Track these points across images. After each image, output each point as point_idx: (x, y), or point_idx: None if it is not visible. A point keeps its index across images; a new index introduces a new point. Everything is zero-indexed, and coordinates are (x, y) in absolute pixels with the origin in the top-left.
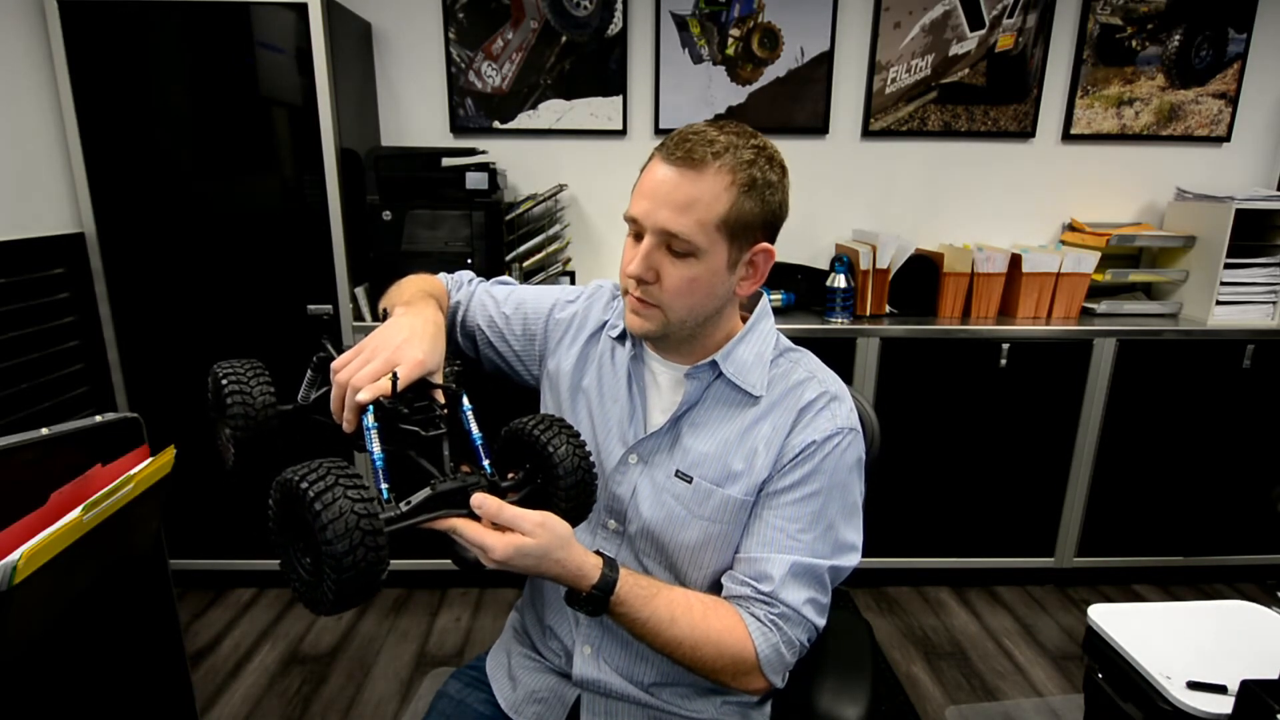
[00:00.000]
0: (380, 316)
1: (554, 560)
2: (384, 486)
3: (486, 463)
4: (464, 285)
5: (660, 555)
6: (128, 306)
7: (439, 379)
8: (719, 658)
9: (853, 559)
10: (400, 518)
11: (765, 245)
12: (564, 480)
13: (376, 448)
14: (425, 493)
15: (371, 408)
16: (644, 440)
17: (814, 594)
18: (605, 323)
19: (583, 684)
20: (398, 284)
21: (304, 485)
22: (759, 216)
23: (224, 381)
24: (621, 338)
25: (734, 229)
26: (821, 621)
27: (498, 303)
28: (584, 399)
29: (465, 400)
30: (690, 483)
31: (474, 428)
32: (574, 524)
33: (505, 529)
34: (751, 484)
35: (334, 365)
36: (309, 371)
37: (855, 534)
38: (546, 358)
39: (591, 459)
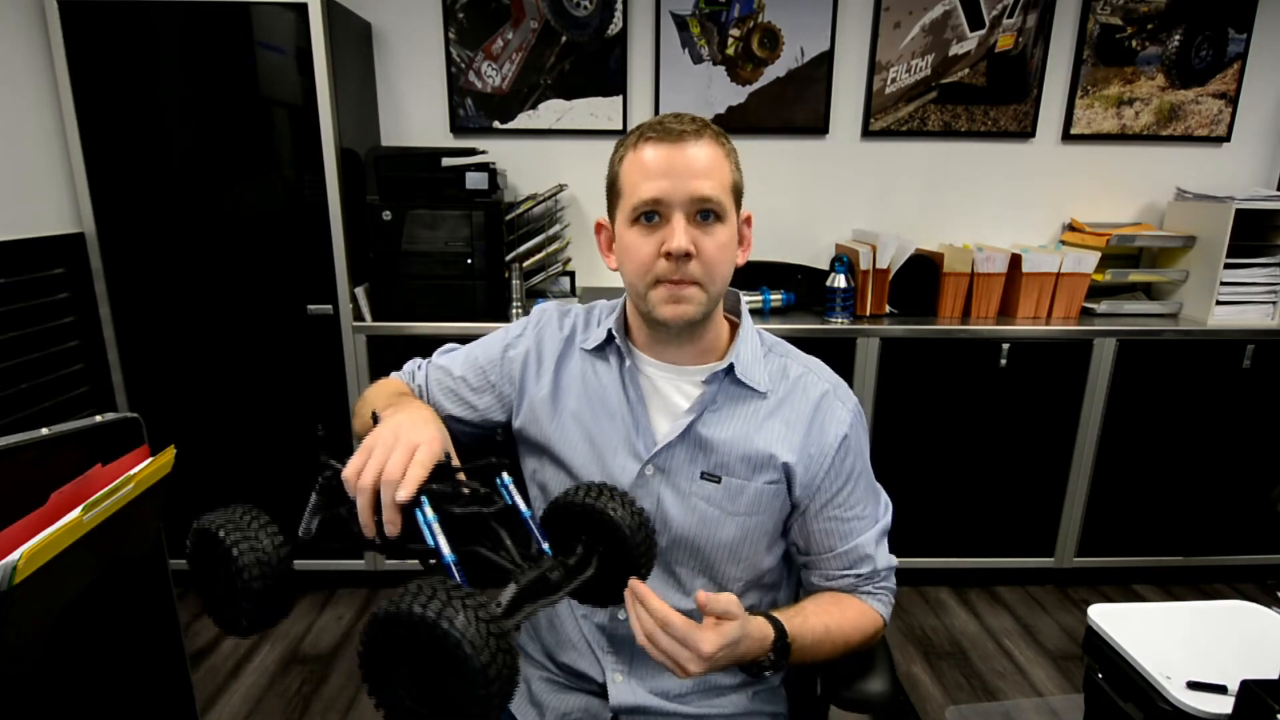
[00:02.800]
0: (374, 424)
1: (746, 635)
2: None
3: (546, 545)
4: (415, 373)
5: (695, 559)
6: (128, 306)
7: (455, 460)
8: (864, 641)
9: (888, 501)
10: (507, 616)
11: (748, 213)
12: (632, 539)
13: (445, 546)
14: (512, 589)
15: (425, 499)
16: (662, 451)
17: (886, 544)
18: (565, 341)
19: (620, 710)
20: (364, 399)
21: (418, 610)
22: (741, 185)
23: (222, 535)
24: (599, 350)
25: (736, 193)
26: (895, 561)
27: (449, 372)
28: (574, 423)
29: (505, 474)
30: (719, 482)
31: (521, 503)
32: (645, 579)
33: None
34: (779, 473)
35: (346, 476)
36: (314, 498)
37: (874, 479)
38: (515, 403)
39: (641, 507)
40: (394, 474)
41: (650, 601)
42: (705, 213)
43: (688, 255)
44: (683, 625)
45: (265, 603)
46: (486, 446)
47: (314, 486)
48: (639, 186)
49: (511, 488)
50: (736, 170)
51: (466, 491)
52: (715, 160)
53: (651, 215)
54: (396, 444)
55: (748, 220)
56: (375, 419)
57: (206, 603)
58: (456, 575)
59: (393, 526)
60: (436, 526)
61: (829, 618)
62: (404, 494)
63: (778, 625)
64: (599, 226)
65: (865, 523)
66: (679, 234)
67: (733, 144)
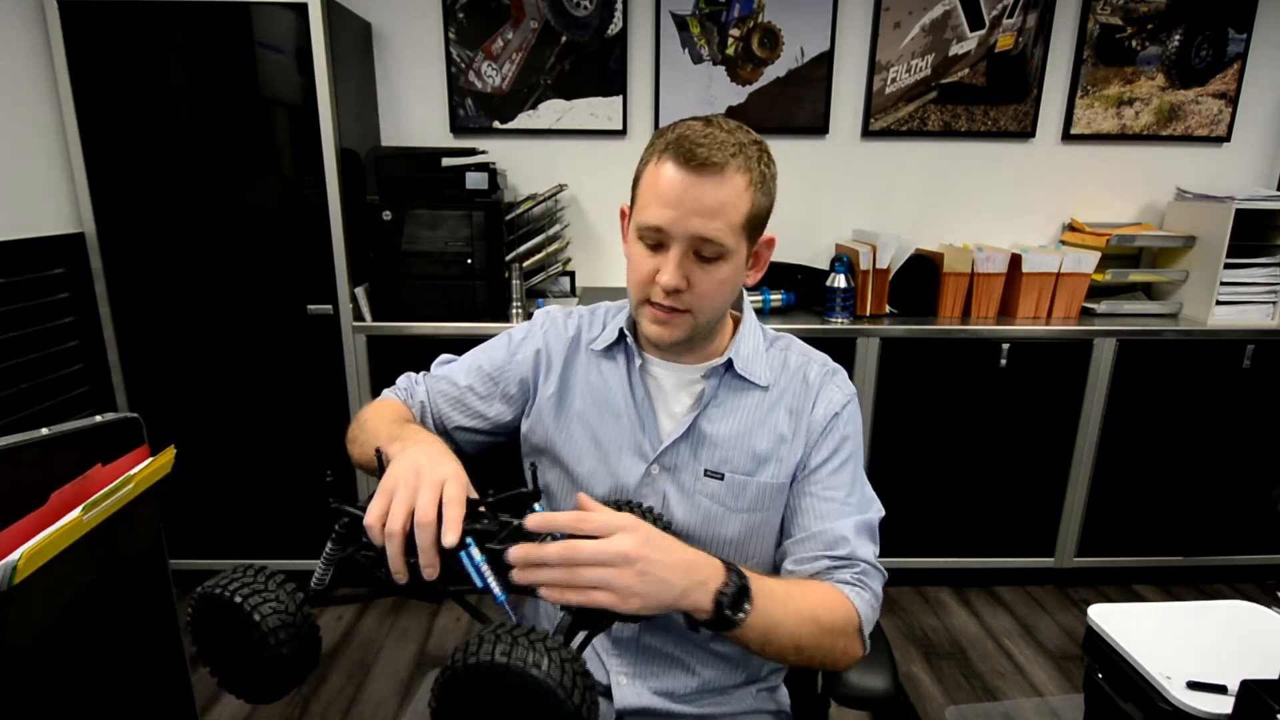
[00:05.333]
0: (379, 461)
1: (675, 544)
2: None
3: None
4: (414, 389)
5: None
6: (128, 306)
7: (473, 494)
8: (834, 625)
9: (880, 507)
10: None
11: (769, 235)
12: None
13: (497, 586)
14: (567, 619)
15: (472, 540)
16: (667, 449)
17: (874, 546)
18: (572, 341)
19: (625, 712)
20: (361, 424)
21: (501, 659)
22: (767, 210)
23: (239, 600)
24: (608, 350)
25: (752, 226)
26: (885, 572)
27: (453, 382)
28: (580, 424)
29: (537, 505)
30: (723, 479)
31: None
32: None
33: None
34: (785, 469)
35: (370, 523)
36: (328, 546)
37: (869, 485)
38: (527, 405)
39: (666, 519)
40: (428, 516)
41: (555, 520)
42: (706, 252)
43: (677, 289)
44: (574, 515)
45: (294, 665)
46: (490, 453)
47: (329, 536)
48: (648, 207)
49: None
50: (763, 194)
51: (502, 526)
52: (732, 196)
53: (654, 239)
54: (421, 482)
55: (769, 243)
56: (380, 455)
57: (218, 672)
58: (512, 615)
59: (432, 570)
60: (486, 567)
61: (793, 586)
62: (451, 538)
63: (732, 564)
64: (623, 213)
65: (847, 509)
66: (670, 270)
67: (766, 165)
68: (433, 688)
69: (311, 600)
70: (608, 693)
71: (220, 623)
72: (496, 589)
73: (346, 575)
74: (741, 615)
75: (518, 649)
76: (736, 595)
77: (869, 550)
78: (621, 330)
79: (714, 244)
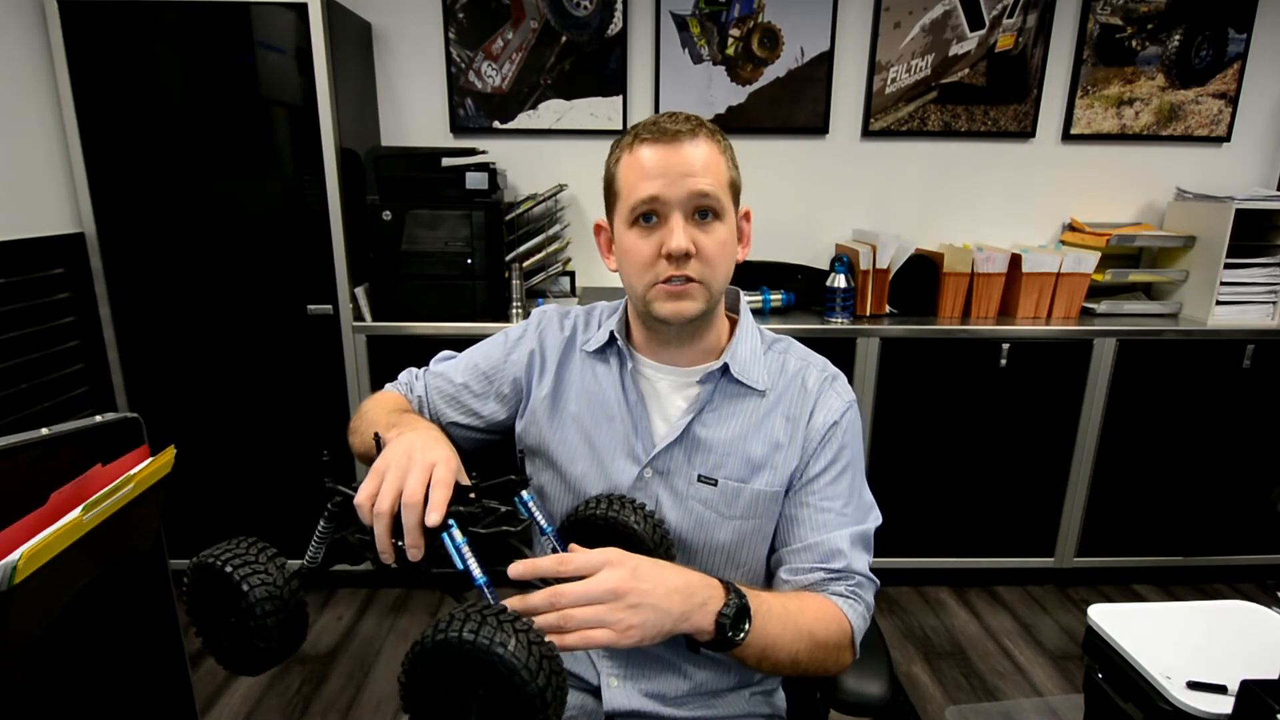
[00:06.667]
0: (376, 445)
1: (668, 570)
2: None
3: None
4: (414, 384)
5: (691, 562)
6: (128, 306)
7: (464, 479)
8: (829, 639)
9: (878, 515)
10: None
11: (745, 208)
12: (654, 551)
13: (477, 568)
14: None
15: (454, 522)
16: (660, 453)
17: (869, 556)
18: (567, 343)
19: (615, 715)
20: (362, 414)
21: (468, 637)
22: (739, 183)
23: (229, 570)
24: (600, 353)
25: (733, 190)
26: (878, 582)
27: (449, 379)
28: (574, 426)
29: (524, 491)
30: (716, 485)
31: (543, 520)
32: None
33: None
34: (779, 477)
35: (360, 502)
36: (321, 525)
37: (869, 492)
38: (520, 405)
39: (659, 517)
40: (415, 496)
41: (539, 565)
42: (703, 211)
43: (687, 255)
44: (557, 558)
45: (280, 638)
46: (487, 451)
47: (322, 514)
48: (636, 187)
49: (532, 505)
50: (733, 167)
51: (488, 511)
52: (711, 158)
53: (650, 216)
54: (411, 465)
55: (746, 216)
56: (378, 440)
57: (209, 642)
58: (490, 598)
59: (416, 551)
60: (467, 549)
61: (788, 601)
62: (434, 517)
63: (730, 584)
64: (598, 228)
65: (843, 520)
66: (678, 234)
67: (728, 141)
68: (403, 662)
69: (302, 577)
70: (597, 693)
71: (211, 592)
72: (476, 571)
73: (339, 557)
74: (742, 635)
75: (486, 627)
76: (737, 615)
77: (863, 562)
78: (612, 333)
79: (709, 198)
